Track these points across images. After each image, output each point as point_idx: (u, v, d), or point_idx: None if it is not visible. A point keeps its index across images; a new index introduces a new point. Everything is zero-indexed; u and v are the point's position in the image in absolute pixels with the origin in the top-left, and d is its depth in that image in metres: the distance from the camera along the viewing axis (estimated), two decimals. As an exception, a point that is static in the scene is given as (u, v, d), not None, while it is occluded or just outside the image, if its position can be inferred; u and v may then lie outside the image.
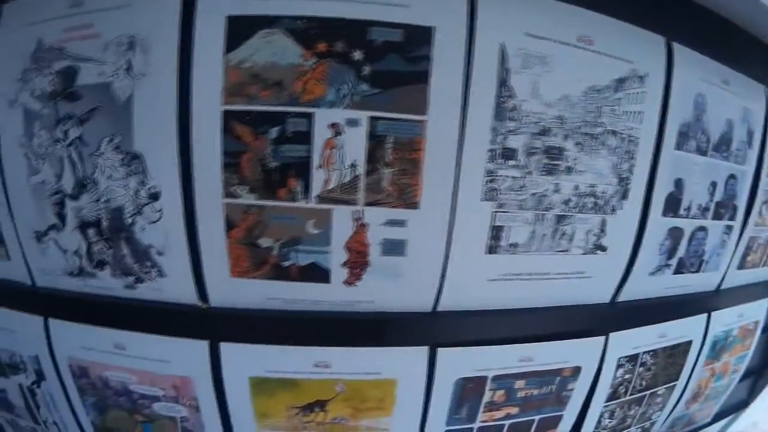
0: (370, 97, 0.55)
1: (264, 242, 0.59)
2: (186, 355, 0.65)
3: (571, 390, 0.77)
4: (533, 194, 0.63)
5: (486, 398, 0.72)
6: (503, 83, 0.58)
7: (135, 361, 0.66)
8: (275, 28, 0.53)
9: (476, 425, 0.74)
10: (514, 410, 0.74)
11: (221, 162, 0.56)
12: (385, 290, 0.62)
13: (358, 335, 0.65)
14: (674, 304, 0.83)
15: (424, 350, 0.66)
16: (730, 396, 1.12)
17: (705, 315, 0.89)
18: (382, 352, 0.66)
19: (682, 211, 0.76)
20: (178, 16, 0.54)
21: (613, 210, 0.68)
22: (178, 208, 0.58)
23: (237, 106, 0.55)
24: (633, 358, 0.81)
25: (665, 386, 0.90)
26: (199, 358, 0.64)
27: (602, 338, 0.76)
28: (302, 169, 0.56)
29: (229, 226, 0.58)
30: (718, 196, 0.79)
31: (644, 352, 0.82)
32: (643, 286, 0.77)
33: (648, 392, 0.88)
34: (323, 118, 0.55)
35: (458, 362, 0.68)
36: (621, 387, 0.83)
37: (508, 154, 0.60)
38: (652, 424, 0.95)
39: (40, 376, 0.73)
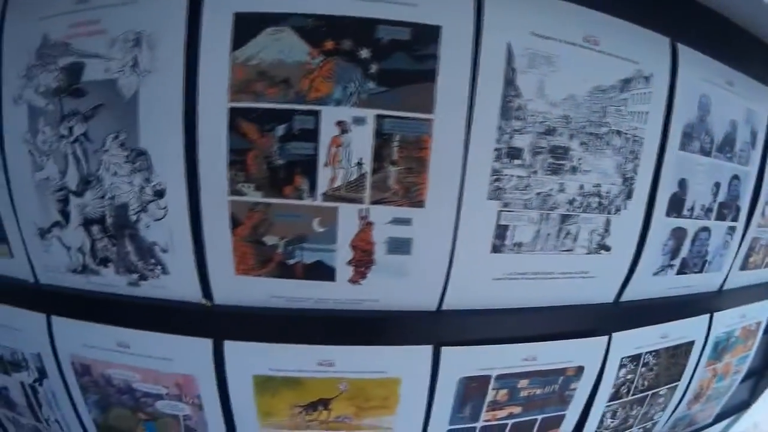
0: (377, 95, 0.55)
1: (269, 240, 0.59)
2: (189, 354, 0.64)
3: (574, 390, 0.77)
4: (538, 193, 0.63)
5: (489, 397, 0.72)
6: (509, 82, 0.58)
7: (138, 359, 0.65)
8: (283, 26, 0.53)
9: (479, 424, 0.74)
10: (517, 409, 0.74)
11: (227, 159, 0.56)
12: (389, 289, 0.62)
13: (362, 334, 0.65)
14: (677, 304, 0.83)
15: (428, 349, 0.66)
16: (731, 397, 1.12)
17: (707, 315, 0.89)
18: (386, 351, 0.66)
19: (685, 212, 0.76)
20: (185, 13, 0.54)
21: (618, 210, 0.68)
22: (183, 206, 0.58)
23: (243, 103, 0.55)
24: (635, 358, 0.81)
25: (667, 386, 0.90)
26: (203, 357, 0.64)
27: (605, 338, 0.76)
28: (308, 166, 0.56)
29: (235, 223, 0.58)
30: (721, 197, 0.80)
31: (647, 352, 0.82)
32: (646, 286, 0.77)
33: (650, 392, 0.88)
34: (330, 116, 0.55)
35: (462, 361, 0.68)
36: (623, 387, 0.83)
37: (514, 153, 0.60)
38: (654, 424, 0.95)
39: (42, 374, 0.73)
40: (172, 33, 0.54)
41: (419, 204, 0.58)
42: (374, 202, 0.58)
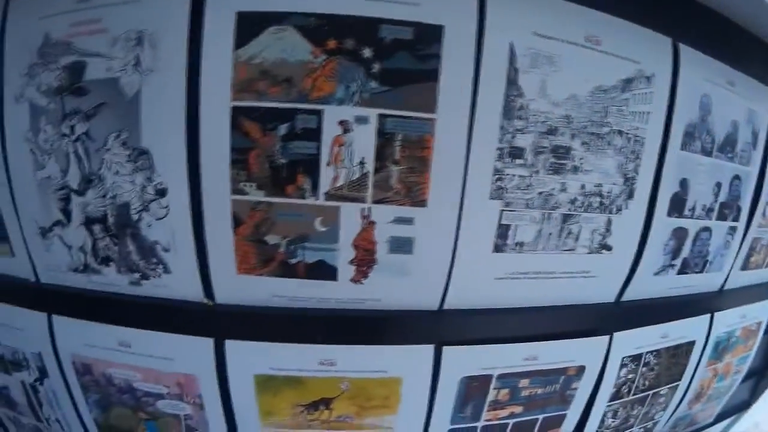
0: (380, 94, 0.55)
1: (271, 239, 0.59)
2: (191, 353, 0.64)
3: (575, 389, 0.77)
4: (540, 193, 0.63)
5: (490, 397, 0.72)
6: (512, 82, 0.58)
7: (139, 358, 0.65)
8: (285, 25, 0.53)
9: (480, 424, 0.74)
10: (518, 409, 0.74)
11: (229, 158, 0.56)
12: (391, 288, 0.62)
13: (363, 333, 0.65)
14: (678, 304, 0.83)
15: (429, 348, 0.66)
16: (732, 397, 1.12)
17: (708, 315, 0.89)
18: (388, 350, 0.66)
19: (686, 212, 0.76)
20: (188, 12, 0.54)
21: (619, 210, 0.69)
22: (185, 205, 0.58)
23: (246, 102, 0.55)
24: (636, 358, 0.81)
25: (668, 386, 0.90)
26: (204, 356, 0.64)
27: (606, 338, 0.76)
28: (311, 166, 0.56)
29: (237, 222, 0.58)
30: (722, 197, 0.80)
31: (648, 352, 0.82)
32: (647, 286, 0.77)
33: (651, 392, 0.88)
34: (332, 116, 0.55)
35: (463, 361, 0.68)
36: (624, 387, 0.83)
37: (516, 153, 0.60)
38: (655, 424, 0.95)
39: (43, 374, 0.72)
40: (174, 32, 0.54)
41: (421, 203, 0.58)
42: (376, 202, 0.58)
